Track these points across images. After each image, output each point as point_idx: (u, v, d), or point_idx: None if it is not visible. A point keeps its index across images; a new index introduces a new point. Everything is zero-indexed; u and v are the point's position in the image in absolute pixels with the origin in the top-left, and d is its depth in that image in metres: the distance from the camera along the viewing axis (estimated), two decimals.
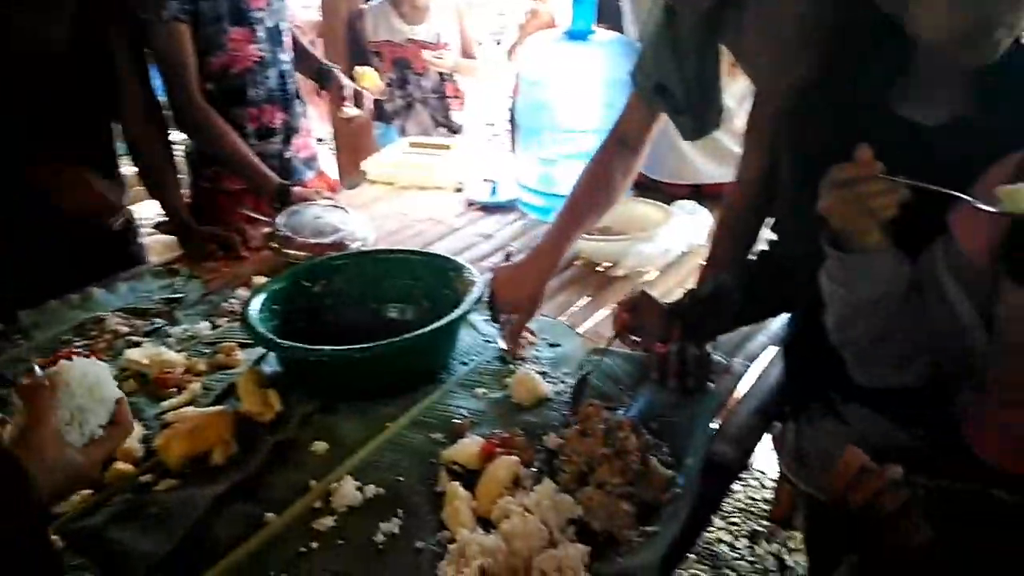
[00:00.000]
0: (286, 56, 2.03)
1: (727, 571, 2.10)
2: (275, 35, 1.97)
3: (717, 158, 1.90)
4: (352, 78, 2.27)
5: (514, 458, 1.10)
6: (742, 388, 1.32)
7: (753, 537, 2.21)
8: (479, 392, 1.30)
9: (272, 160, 2.00)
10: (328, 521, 1.03)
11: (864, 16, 1.04)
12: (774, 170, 1.27)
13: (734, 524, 2.26)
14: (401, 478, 1.10)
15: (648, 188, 2.06)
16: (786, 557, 2.14)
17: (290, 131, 2.07)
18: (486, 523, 1.01)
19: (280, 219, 1.73)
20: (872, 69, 1.06)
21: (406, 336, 1.22)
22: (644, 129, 1.48)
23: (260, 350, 1.38)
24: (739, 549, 2.17)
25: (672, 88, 1.41)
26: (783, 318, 1.49)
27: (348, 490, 1.07)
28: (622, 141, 1.49)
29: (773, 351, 1.41)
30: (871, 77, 1.06)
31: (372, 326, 1.43)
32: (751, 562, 2.13)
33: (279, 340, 1.24)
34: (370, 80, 2.34)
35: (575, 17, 1.73)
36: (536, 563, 0.93)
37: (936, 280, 0.98)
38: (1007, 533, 0.85)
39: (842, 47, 1.12)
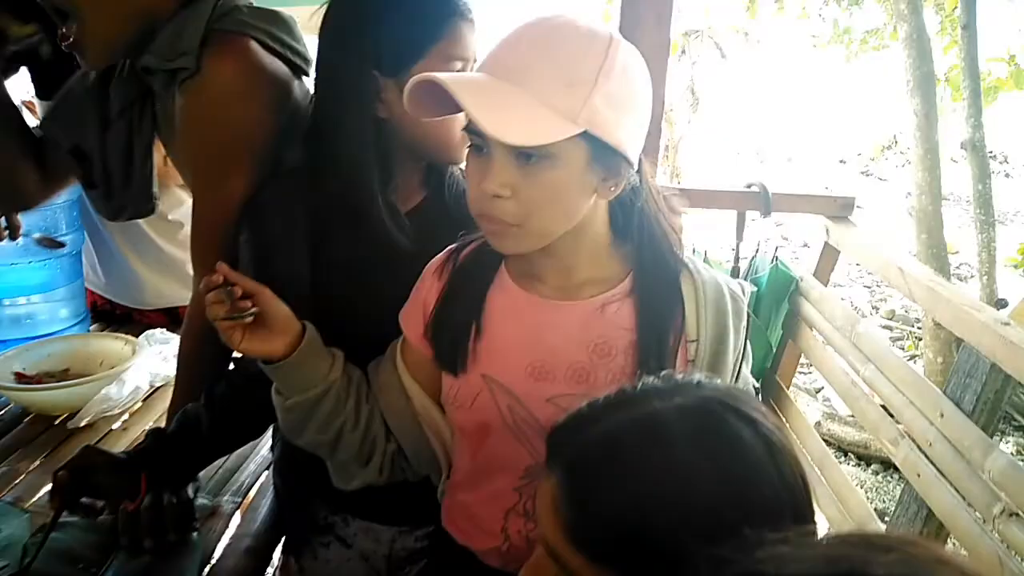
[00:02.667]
0: None
1: None
2: None
3: (180, 279, 1.78)
4: None
5: None
6: (232, 529, 1.21)
7: None
8: None
9: None
10: None
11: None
12: None
13: None
14: None
15: (119, 319, 1.85)
16: None
17: None
18: None
19: None
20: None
21: None
22: None
23: None
24: None
25: (90, 154, 1.26)
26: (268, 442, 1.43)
27: None
28: None
29: (263, 479, 1.33)
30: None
31: None
32: None
33: None
34: None
35: None
36: None
37: (396, 377, 1.02)
38: None
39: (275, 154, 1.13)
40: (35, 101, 1.68)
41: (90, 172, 1.27)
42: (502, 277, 0.96)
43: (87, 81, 1.25)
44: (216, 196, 1.14)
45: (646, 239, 0.93)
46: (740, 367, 0.97)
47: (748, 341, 1.00)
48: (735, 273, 2.33)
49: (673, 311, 0.92)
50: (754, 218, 2.37)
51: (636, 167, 0.88)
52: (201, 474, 1.24)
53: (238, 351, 0.94)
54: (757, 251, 2.32)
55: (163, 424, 1.28)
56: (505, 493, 0.97)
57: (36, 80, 1.60)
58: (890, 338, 5.07)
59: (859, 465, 3.50)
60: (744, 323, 0.97)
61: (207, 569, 1.11)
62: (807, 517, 0.62)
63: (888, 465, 3.43)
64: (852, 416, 3.46)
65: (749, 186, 2.23)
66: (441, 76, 0.80)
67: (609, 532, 0.60)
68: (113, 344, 1.58)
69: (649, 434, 0.62)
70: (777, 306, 2.22)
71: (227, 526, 1.21)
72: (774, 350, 2.33)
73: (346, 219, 1.07)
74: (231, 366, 1.21)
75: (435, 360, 0.98)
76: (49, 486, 1.26)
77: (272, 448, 1.31)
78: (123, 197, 1.28)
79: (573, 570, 0.61)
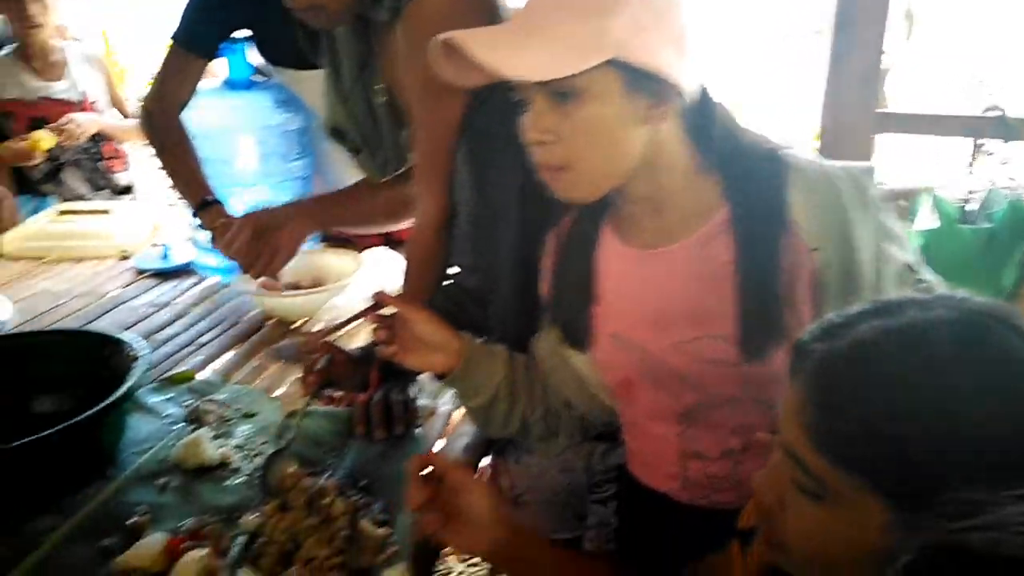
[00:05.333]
0: None
1: None
2: None
3: None
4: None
5: (204, 550, 0.96)
6: (450, 429, 1.30)
7: (494, 573, 2.19)
8: (160, 482, 1.12)
9: None
10: None
11: None
12: (451, 207, 1.29)
13: (473, 565, 2.23)
14: None
15: (339, 242, 2.00)
16: None
17: None
18: None
19: None
20: None
21: (51, 431, 1.01)
22: None
23: None
24: None
25: (344, 129, 1.38)
26: None
27: None
28: None
29: None
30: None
31: (19, 424, 1.19)
32: None
33: None
34: (48, 143, 2.22)
35: (231, 66, 1.64)
36: None
37: (555, 346, 1.04)
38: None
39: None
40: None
41: (353, 142, 1.39)
42: (606, 238, 0.96)
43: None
44: (436, 116, 1.19)
45: (735, 156, 0.87)
46: (887, 256, 0.86)
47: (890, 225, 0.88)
48: (962, 212, 2.12)
49: (779, 226, 0.84)
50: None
51: (691, 88, 0.83)
52: (422, 378, 1.34)
53: (404, 364, 1.02)
54: (992, 185, 2.09)
55: None
56: (668, 439, 0.98)
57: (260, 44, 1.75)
58: None
59: None
60: (875, 207, 0.86)
61: None
62: None
63: None
64: None
65: (987, 110, 2.01)
66: (454, 34, 0.80)
67: (854, 439, 0.57)
68: (341, 259, 1.72)
69: (907, 343, 0.57)
70: (1013, 246, 2.00)
71: (445, 426, 1.30)
72: (1008, 293, 2.11)
73: None
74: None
75: (564, 342, 1.01)
76: (291, 379, 1.42)
77: None
78: (384, 153, 1.40)
79: (814, 472, 0.59)
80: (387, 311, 1.04)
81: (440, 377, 1.04)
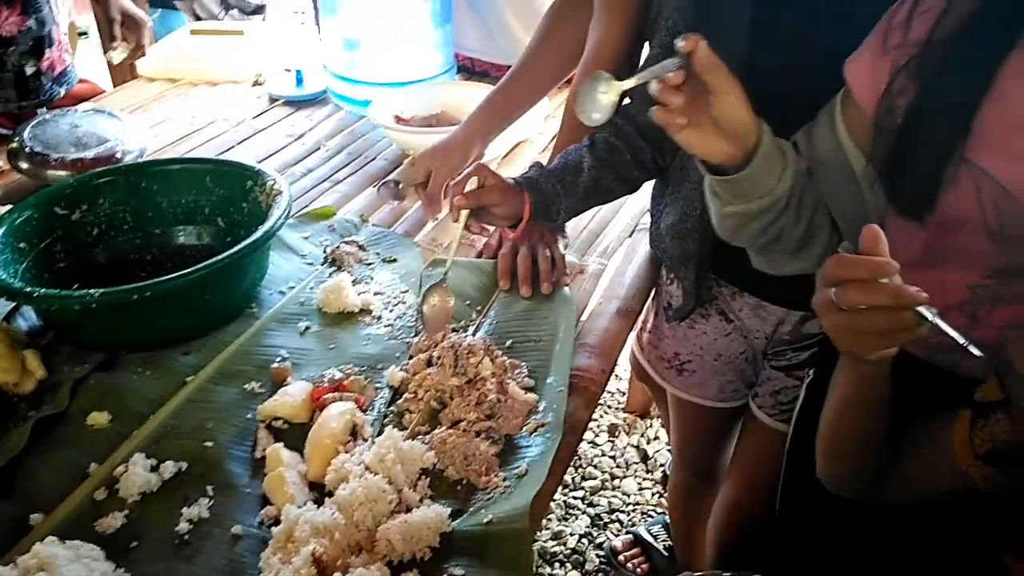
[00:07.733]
0: None
1: (591, 469, 2.05)
2: None
3: None
4: None
5: (349, 404, 0.92)
6: (600, 290, 1.19)
7: (612, 431, 2.17)
8: (302, 326, 1.08)
9: (5, 75, 1.58)
10: (116, 520, 0.80)
11: None
12: (637, 34, 1.12)
13: (592, 420, 2.21)
14: (209, 444, 0.89)
15: (477, 73, 1.85)
16: (646, 447, 2.12)
17: (36, 42, 1.63)
18: (323, 489, 0.83)
19: (26, 131, 1.37)
20: None
21: (198, 267, 0.97)
22: None
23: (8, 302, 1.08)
24: (600, 445, 2.13)
25: None
26: (637, 209, 1.38)
27: (138, 472, 0.84)
28: None
29: (627, 244, 1.29)
30: None
31: (157, 256, 1.17)
32: (613, 457, 2.09)
33: (24, 287, 0.96)
34: None
35: None
36: (381, 533, 0.76)
37: (835, 141, 0.85)
38: None
39: None
40: None
41: None
42: (1020, 57, 0.71)
43: None
44: None
45: None
46: None
47: None
48: None
49: None
50: None
51: None
52: (569, 232, 1.22)
53: (677, 139, 0.80)
54: None
55: None
56: (953, 287, 0.79)
57: None
58: None
59: None
60: None
61: (578, 325, 1.11)
62: None
63: None
64: None
65: None
66: None
67: None
68: (481, 94, 1.57)
69: None
70: None
71: (595, 286, 1.19)
72: None
73: None
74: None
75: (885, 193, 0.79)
76: (430, 225, 1.34)
77: (653, 215, 1.24)
78: None
79: None
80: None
81: (712, 170, 0.84)
